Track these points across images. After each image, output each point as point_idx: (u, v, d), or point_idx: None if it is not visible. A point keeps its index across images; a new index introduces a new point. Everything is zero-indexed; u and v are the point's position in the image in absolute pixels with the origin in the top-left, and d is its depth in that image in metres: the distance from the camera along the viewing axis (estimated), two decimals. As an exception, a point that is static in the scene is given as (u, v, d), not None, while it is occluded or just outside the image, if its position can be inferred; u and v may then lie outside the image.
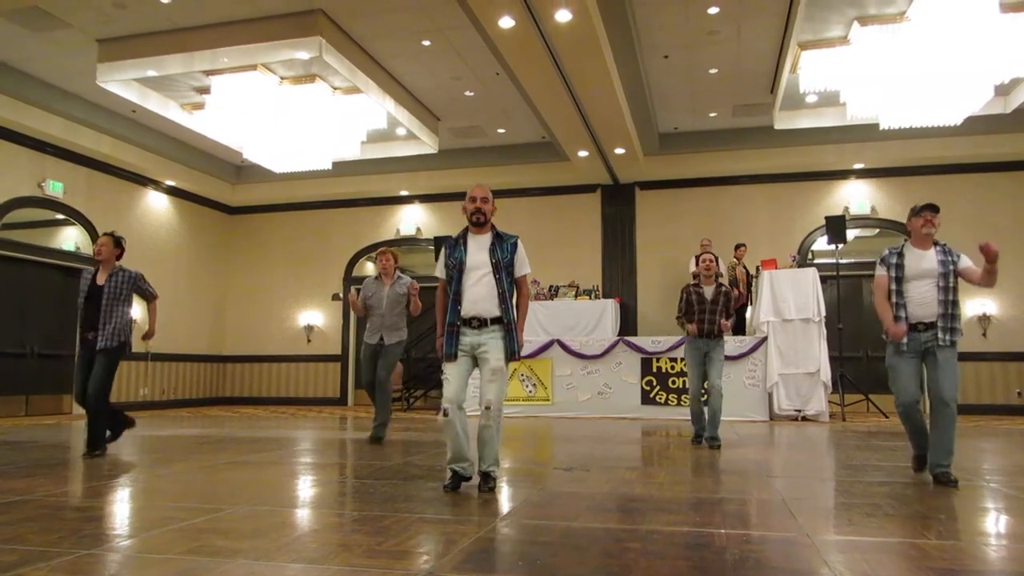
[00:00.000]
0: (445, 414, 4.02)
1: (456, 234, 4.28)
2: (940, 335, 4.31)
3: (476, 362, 4.14)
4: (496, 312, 4.10)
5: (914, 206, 4.59)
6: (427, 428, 8.75)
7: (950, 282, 4.36)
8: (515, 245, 4.21)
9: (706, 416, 6.51)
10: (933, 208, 4.49)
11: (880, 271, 4.58)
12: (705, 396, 6.61)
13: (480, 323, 4.09)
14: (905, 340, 4.38)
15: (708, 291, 6.56)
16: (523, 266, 4.24)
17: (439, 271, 4.29)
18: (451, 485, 4.07)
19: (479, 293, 4.09)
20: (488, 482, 4.07)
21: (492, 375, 4.04)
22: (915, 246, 4.51)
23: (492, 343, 4.09)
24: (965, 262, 4.41)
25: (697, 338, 6.51)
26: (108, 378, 5.83)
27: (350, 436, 7.90)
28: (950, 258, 4.41)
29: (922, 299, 4.38)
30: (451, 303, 4.12)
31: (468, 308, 4.09)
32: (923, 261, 4.43)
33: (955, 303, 4.36)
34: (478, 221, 4.19)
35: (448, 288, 4.19)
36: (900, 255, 4.50)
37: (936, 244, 4.51)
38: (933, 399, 4.37)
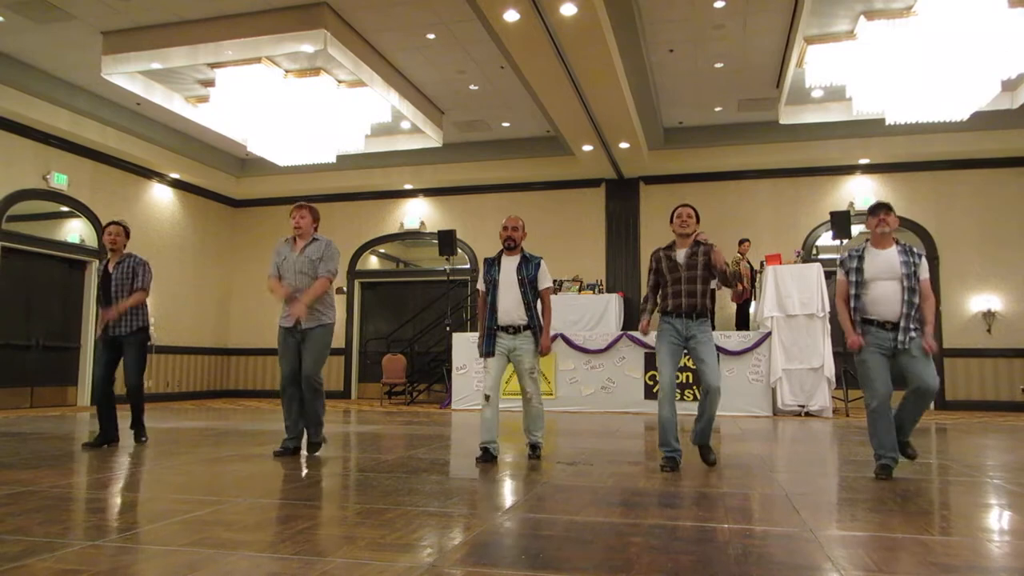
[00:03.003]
0: (487, 399, 4.94)
1: (494, 255, 5.18)
2: (901, 336, 4.31)
3: (510, 359, 5.03)
4: (524, 320, 4.96)
5: (870, 206, 4.61)
6: (430, 422, 8.77)
7: (913, 283, 4.35)
8: (538, 264, 5.04)
9: (698, 424, 4.82)
10: (886, 207, 4.49)
11: (839, 274, 4.59)
12: (680, 396, 5.40)
13: (515, 330, 4.98)
14: (873, 340, 4.39)
15: (681, 254, 4.78)
16: (545, 281, 5.05)
17: (480, 284, 5.18)
18: (482, 459, 4.88)
19: (509, 304, 4.95)
20: (535, 451, 5.10)
21: (529, 374, 5.04)
22: (874, 246, 4.50)
23: (524, 347, 4.99)
24: (924, 272, 4.39)
25: (673, 317, 4.75)
26: (141, 363, 5.91)
27: (353, 429, 7.92)
28: (911, 259, 4.39)
29: (885, 299, 4.37)
30: (489, 311, 5.01)
31: (502, 317, 4.97)
32: (883, 261, 4.42)
33: (917, 305, 4.36)
34: (509, 246, 5.07)
35: (486, 298, 5.06)
36: (860, 257, 4.49)
37: (897, 243, 4.50)
38: (918, 389, 4.36)
